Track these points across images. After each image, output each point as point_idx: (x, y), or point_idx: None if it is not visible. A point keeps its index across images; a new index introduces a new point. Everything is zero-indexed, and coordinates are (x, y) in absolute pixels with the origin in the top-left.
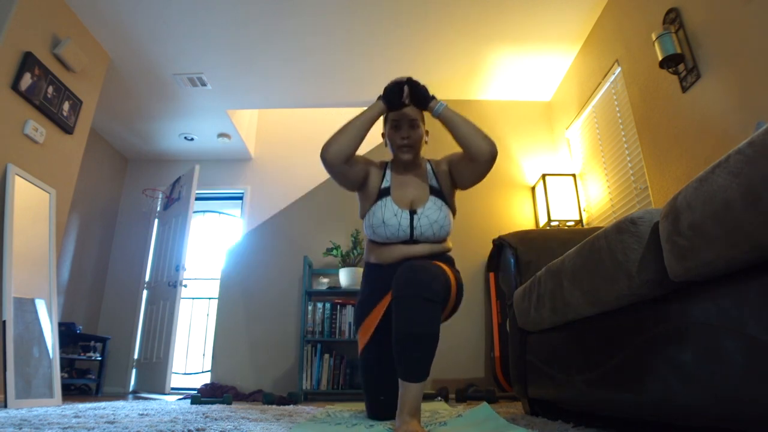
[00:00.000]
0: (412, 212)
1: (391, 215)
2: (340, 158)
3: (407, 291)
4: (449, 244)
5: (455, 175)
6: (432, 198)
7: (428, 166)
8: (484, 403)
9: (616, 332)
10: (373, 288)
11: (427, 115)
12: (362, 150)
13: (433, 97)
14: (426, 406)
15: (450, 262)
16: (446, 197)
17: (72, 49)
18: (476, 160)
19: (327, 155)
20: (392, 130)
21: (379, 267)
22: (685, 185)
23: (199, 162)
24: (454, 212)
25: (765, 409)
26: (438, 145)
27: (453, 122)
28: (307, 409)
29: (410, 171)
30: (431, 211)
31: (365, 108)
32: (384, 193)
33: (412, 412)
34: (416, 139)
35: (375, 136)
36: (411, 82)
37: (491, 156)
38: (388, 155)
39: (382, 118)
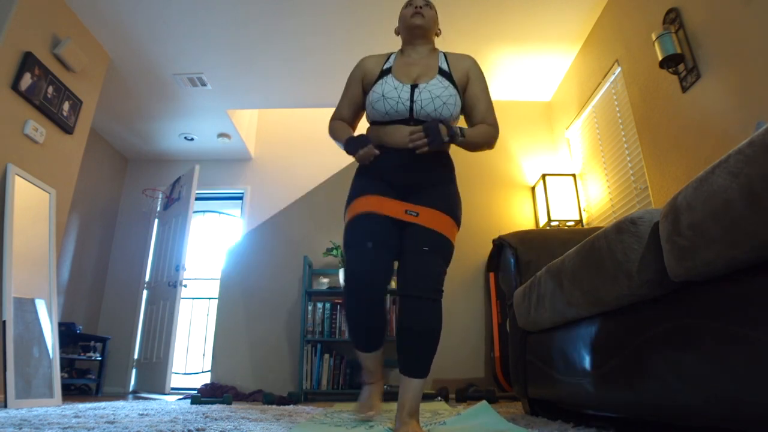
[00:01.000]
0: (414, 86)
1: (391, 89)
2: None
3: (412, 291)
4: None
5: (465, 94)
6: (439, 77)
7: (441, 54)
8: (484, 402)
9: (616, 332)
10: (376, 183)
11: (438, 8)
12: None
13: (454, 132)
14: (426, 407)
15: (452, 184)
16: (456, 82)
17: (72, 49)
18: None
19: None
20: (405, 8)
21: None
22: (685, 185)
23: (199, 162)
24: (463, 106)
25: (765, 409)
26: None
27: (471, 145)
28: (306, 409)
29: (419, 54)
30: (434, 86)
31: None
32: (385, 72)
33: (411, 412)
34: (429, 18)
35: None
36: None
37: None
38: None
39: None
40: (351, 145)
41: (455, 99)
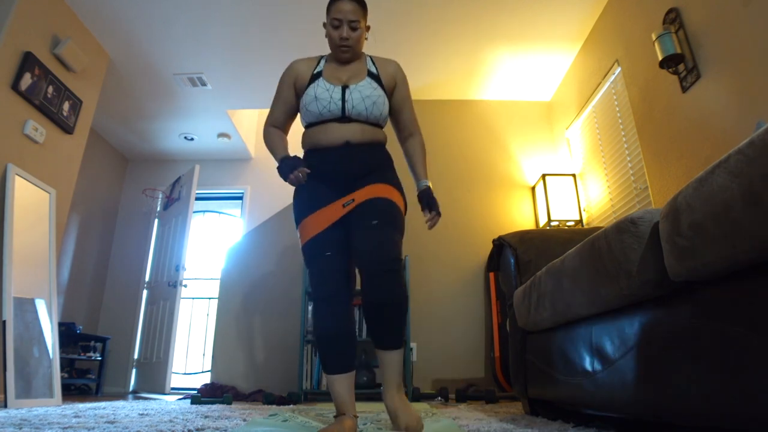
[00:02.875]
0: (345, 87)
1: (323, 90)
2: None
3: (372, 266)
4: (385, 134)
5: (392, 98)
6: (368, 78)
7: (368, 58)
8: (450, 420)
9: (616, 332)
10: (315, 190)
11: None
12: None
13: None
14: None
15: (391, 170)
16: (383, 85)
17: (72, 49)
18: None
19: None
20: (332, 29)
21: (314, 152)
22: (685, 185)
23: (199, 162)
24: (390, 108)
25: (765, 409)
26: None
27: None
28: (303, 408)
29: (348, 61)
30: (364, 87)
31: None
32: (316, 76)
33: (398, 386)
34: (356, 40)
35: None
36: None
37: None
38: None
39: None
40: (282, 170)
41: (384, 100)
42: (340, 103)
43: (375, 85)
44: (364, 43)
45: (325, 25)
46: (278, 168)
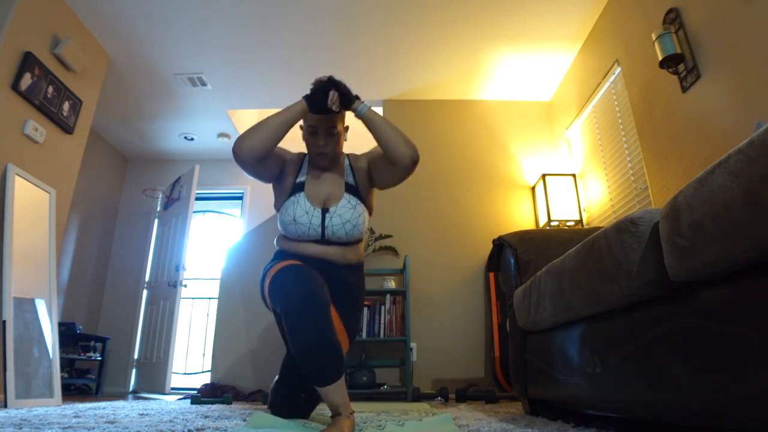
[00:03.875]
0: (324, 210)
1: (303, 213)
2: (252, 156)
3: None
4: (362, 248)
5: (374, 174)
6: (347, 196)
7: (346, 161)
8: (447, 415)
9: (616, 332)
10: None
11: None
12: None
13: (357, 98)
14: (406, 407)
15: (362, 288)
16: (362, 195)
17: (72, 49)
18: (397, 164)
19: (239, 151)
20: (309, 135)
21: (291, 255)
22: (685, 185)
23: (199, 162)
24: (370, 211)
25: (765, 409)
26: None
27: (375, 124)
28: None
29: (327, 167)
30: (344, 210)
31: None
32: (298, 188)
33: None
34: (333, 147)
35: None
36: (333, 82)
37: (412, 161)
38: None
39: None
40: (315, 92)
41: (362, 218)
42: (319, 229)
43: (353, 202)
44: (343, 144)
45: (301, 127)
46: (307, 96)
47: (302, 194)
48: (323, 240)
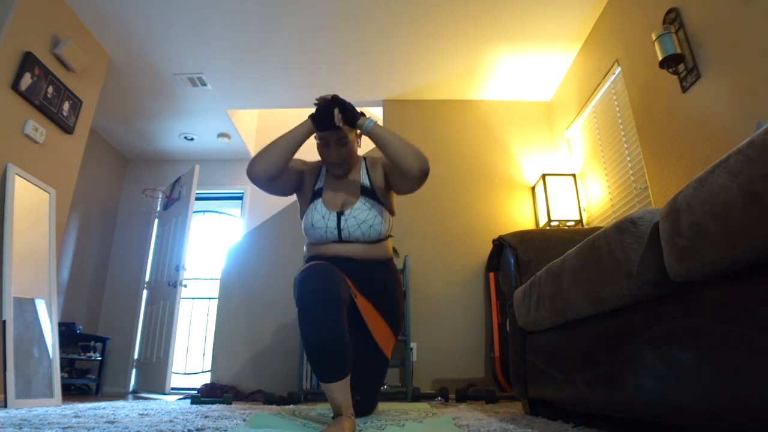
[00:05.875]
0: (340, 213)
1: (319, 218)
2: (265, 177)
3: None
4: (389, 245)
5: (390, 180)
6: (362, 198)
7: (363, 165)
8: (448, 416)
9: (616, 332)
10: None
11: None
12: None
13: (362, 114)
14: (406, 407)
15: (394, 281)
16: (379, 197)
17: (72, 49)
18: (407, 177)
19: (252, 173)
20: (321, 147)
21: (316, 257)
22: (685, 185)
23: (199, 162)
24: (391, 212)
25: (765, 409)
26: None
27: (383, 139)
28: (304, 408)
29: (343, 173)
30: (359, 212)
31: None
32: (317, 194)
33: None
34: (346, 156)
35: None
36: (338, 101)
37: (421, 173)
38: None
39: None
40: (318, 111)
41: (380, 219)
42: (336, 231)
43: (369, 204)
44: (357, 150)
45: (315, 137)
46: (313, 116)
47: (320, 200)
48: (340, 240)
